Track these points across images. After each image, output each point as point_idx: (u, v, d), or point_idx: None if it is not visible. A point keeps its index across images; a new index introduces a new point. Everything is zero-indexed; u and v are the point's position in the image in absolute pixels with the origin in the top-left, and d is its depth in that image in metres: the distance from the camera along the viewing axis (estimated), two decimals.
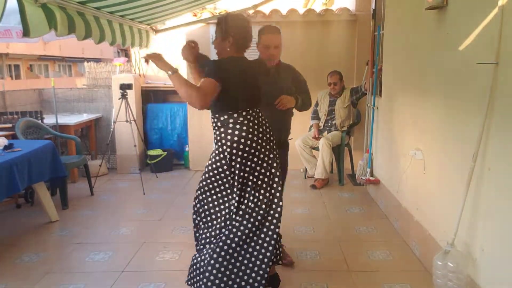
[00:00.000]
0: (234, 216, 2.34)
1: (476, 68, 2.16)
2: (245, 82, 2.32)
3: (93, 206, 4.32)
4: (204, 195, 2.52)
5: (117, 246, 3.32)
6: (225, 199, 2.43)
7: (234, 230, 2.31)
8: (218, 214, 2.46)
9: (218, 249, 2.30)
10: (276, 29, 2.70)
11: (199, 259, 2.43)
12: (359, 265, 2.93)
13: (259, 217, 2.31)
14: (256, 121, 2.33)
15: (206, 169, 2.44)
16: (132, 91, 5.27)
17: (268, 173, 2.35)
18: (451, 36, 2.50)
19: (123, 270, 2.92)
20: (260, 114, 2.39)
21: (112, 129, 5.39)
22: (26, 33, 2.47)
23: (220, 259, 2.28)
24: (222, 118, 2.31)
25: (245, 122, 2.28)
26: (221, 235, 2.35)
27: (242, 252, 2.31)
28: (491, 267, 2.08)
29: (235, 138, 2.26)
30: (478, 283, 2.16)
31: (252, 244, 2.32)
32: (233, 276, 2.29)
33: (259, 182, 2.34)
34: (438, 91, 2.70)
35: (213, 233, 2.45)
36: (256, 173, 2.32)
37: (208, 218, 2.53)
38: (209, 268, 2.28)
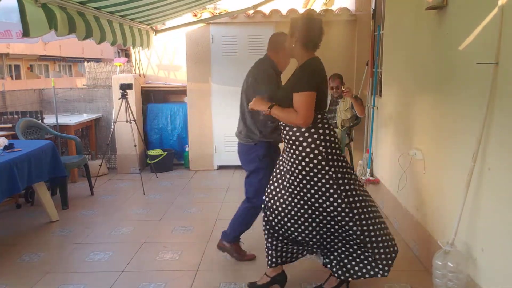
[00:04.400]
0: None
1: (476, 68, 2.16)
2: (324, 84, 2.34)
3: (93, 206, 4.32)
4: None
5: (117, 246, 3.32)
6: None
7: None
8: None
9: None
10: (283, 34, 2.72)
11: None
12: None
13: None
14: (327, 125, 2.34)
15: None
16: (132, 91, 5.27)
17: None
18: (451, 36, 2.50)
19: (123, 270, 2.92)
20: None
21: (112, 129, 5.39)
22: (26, 33, 2.47)
23: None
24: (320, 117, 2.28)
25: (325, 120, 2.29)
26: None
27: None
28: (491, 267, 2.08)
29: (327, 138, 2.26)
30: (478, 283, 2.16)
31: None
32: None
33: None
34: (438, 91, 2.70)
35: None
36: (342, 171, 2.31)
37: None
38: None
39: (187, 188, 4.93)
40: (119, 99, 4.93)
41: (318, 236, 2.35)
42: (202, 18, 5.34)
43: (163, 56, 6.09)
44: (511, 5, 1.89)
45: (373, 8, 4.49)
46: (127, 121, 4.90)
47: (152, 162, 5.44)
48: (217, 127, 5.60)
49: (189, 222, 3.80)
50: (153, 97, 6.08)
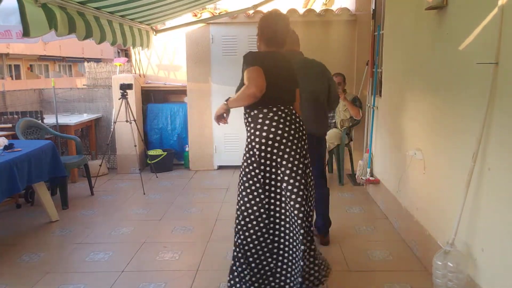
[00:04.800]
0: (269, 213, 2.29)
1: (476, 68, 2.16)
2: (278, 77, 2.25)
3: (93, 206, 4.32)
4: (242, 194, 2.36)
5: (117, 246, 3.32)
6: (259, 198, 2.30)
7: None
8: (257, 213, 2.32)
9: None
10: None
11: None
12: (359, 265, 2.93)
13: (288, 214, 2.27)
14: (288, 118, 2.26)
15: (241, 167, 2.34)
16: (132, 91, 5.27)
17: (294, 172, 2.23)
18: (451, 36, 2.50)
19: (123, 270, 2.92)
20: (293, 112, 2.32)
21: (112, 129, 5.39)
22: (26, 33, 2.47)
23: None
24: (252, 113, 2.27)
25: (275, 118, 2.23)
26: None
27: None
28: (491, 267, 2.08)
29: (264, 134, 2.21)
30: (478, 283, 2.16)
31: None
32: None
33: (285, 181, 2.24)
34: (438, 91, 2.70)
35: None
36: (283, 172, 2.23)
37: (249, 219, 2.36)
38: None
39: (187, 188, 4.93)
40: (119, 99, 4.93)
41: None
42: (202, 18, 5.34)
43: (163, 56, 6.09)
44: (511, 5, 1.89)
45: (373, 8, 4.49)
46: (127, 121, 4.90)
47: (152, 162, 5.44)
48: (217, 127, 5.59)
49: (189, 222, 3.80)
50: (153, 97, 6.08)
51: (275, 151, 2.23)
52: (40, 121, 4.79)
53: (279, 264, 2.35)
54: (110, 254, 3.17)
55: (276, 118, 2.24)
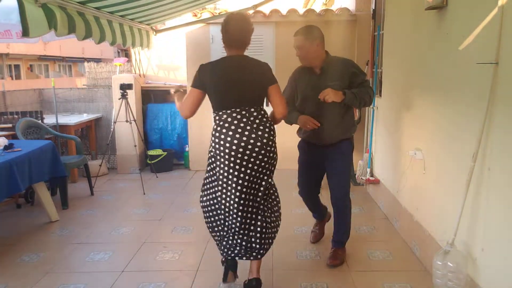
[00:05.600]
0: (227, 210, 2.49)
1: (476, 68, 2.16)
2: (227, 83, 2.37)
3: (93, 206, 4.32)
4: (204, 192, 2.64)
5: (117, 246, 3.32)
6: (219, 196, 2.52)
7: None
8: (219, 211, 2.57)
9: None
10: (300, 31, 2.73)
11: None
12: (359, 265, 2.93)
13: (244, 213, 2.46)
14: (244, 120, 2.36)
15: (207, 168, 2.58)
16: (132, 91, 5.27)
17: (254, 172, 2.39)
18: (451, 36, 2.50)
19: (123, 270, 2.92)
20: (252, 112, 2.39)
21: (112, 129, 5.39)
22: (25, 33, 2.47)
23: None
24: (214, 116, 2.47)
25: (229, 120, 2.35)
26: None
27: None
28: (491, 267, 2.08)
29: (222, 136, 2.35)
30: (478, 283, 2.16)
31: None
32: None
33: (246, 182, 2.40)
34: (438, 91, 2.70)
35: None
36: (243, 172, 2.38)
37: (212, 213, 2.64)
38: None
39: (187, 188, 4.93)
40: (119, 99, 4.93)
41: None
42: (202, 18, 5.34)
43: (163, 56, 6.08)
44: (511, 5, 1.89)
45: (373, 8, 4.49)
46: (127, 121, 4.90)
47: (152, 162, 5.44)
48: None
49: (189, 222, 3.80)
50: (153, 97, 6.08)
51: (232, 153, 2.45)
52: (40, 121, 4.79)
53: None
54: (110, 254, 3.17)
55: (229, 120, 2.41)
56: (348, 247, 3.19)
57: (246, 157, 2.33)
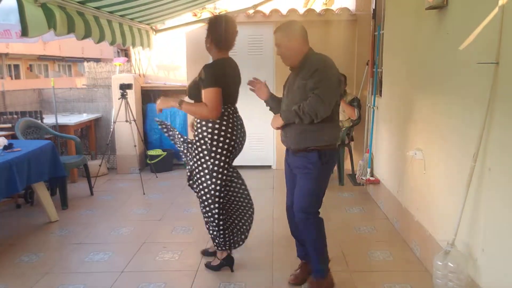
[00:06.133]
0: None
1: (476, 68, 2.16)
2: (234, 82, 2.70)
3: (93, 206, 4.32)
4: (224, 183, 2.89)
5: (117, 246, 3.32)
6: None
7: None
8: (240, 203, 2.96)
9: None
10: (279, 27, 2.47)
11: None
12: (359, 265, 2.93)
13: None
14: (235, 115, 2.72)
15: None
16: (132, 91, 5.27)
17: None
18: (451, 36, 2.50)
19: (123, 270, 2.92)
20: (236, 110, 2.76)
21: (112, 129, 5.39)
22: (24, 33, 2.46)
23: None
24: (226, 109, 2.65)
25: (226, 113, 2.63)
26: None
27: None
28: (491, 267, 2.08)
29: (240, 127, 2.74)
30: (478, 283, 2.16)
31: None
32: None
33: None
34: (438, 91, 2.70)
35: None
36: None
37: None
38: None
39: (187, 188, 4.90)
40: (118, 99, 4.93)
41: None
42: (202, 18, 5.33)
43: (163, 56, 6.08)
44: (511, 5, 1.89)
45: (373, 8, 4.49)
46: (127, 121, 4.90)
47: (152, 162, 5.43)
48: None
49: (189, 222, 3.80)
50: (153, 97, 6.07)
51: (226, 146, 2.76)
52: (39, 121, 4.79)
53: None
54: (109, 254, 3.17)
55: (226, 113, 2.68)
56: (348, 247, 3.20)
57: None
